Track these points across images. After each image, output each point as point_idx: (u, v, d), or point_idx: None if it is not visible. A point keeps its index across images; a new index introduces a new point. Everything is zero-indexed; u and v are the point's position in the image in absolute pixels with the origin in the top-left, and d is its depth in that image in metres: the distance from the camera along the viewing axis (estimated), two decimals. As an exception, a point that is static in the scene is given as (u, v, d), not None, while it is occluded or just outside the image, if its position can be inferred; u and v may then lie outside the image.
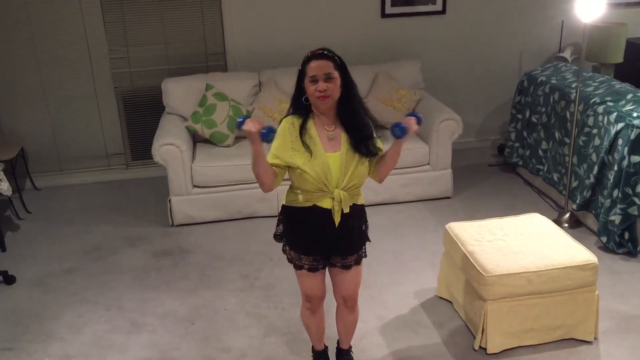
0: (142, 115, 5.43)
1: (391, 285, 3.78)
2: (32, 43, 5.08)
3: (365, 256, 2.73)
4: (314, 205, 2.53)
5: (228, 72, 5.37)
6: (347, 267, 2.68)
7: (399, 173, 4.75)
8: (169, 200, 4.56)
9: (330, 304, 2.92)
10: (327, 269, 2.75)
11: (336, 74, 2.44)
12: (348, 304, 2.82)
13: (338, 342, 3.05)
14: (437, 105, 4.93)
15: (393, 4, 5.47)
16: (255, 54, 5.38)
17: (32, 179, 5.34)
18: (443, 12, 5.57)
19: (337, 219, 2.53)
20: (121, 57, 5.26)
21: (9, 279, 3.92)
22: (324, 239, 2.59)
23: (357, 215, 2.62)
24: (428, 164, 4.83)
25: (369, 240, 2.74)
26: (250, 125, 2.37)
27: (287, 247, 2.69)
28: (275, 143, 2.51)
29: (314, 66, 2.42)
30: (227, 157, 4.62)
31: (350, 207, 2.56)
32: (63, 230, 4.62)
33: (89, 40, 5.16)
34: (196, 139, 4.93)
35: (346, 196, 2.52)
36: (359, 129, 2.52)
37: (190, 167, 4.51)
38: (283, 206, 2.65)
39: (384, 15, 5.49)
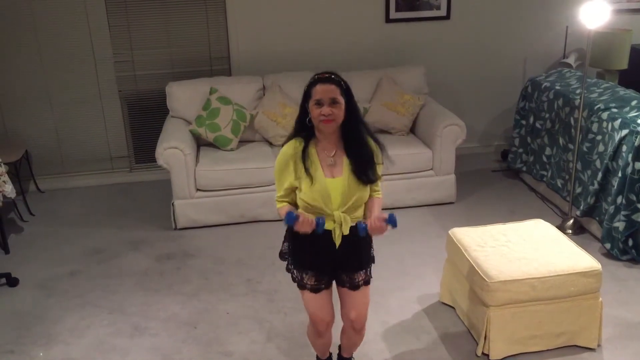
0: (146, 119, 5.44)
1: (394, 291, 3.77)
2: (37, 46, 5.10)
3: (371, 277, 2.69)
4: None
5: (232, 76, 5.38)
6: (355, 287, 2.64)
7: (402, 178, 4.75)
8: (172, 204, 4.56)
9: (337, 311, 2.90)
10: (335, 289, 2.70)
11: (341, 99, 2.43)
12: (356, 327, 2.74)
13: (340, 348, 3.03)
14: (441, 111, 4.93)
15: (397, 9, 5.47)
16: (260, 58, 5.39)
17: (36, 181, 5.36)
18: (447, 17, 5.58)
19: (337, 241, 2.52)
20: (126, 61, 5.27)
21: (12, 282, 3.92)
22: (327, 258, 2.57)
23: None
24: (431, 169, 4.82)
25: (373, 262, 2.71)
26: (305, 228, 2.38)
27: (291, 266, 2.67)
28: (280, 177, 2.53)
29: (320, 90, 2.42)
30: (230, 161, 4.62)
31: (353, 226, 2.52)
32: (66, 233, 4.62)
33: (94, 43, 5.18)
34: (200, 143, 4.93)
35: (347, 218, 2.50)
36: (360, 155, 2.50)
37: (193, 171, 4.51)
38: None
39: (388, 20, 5.50)
